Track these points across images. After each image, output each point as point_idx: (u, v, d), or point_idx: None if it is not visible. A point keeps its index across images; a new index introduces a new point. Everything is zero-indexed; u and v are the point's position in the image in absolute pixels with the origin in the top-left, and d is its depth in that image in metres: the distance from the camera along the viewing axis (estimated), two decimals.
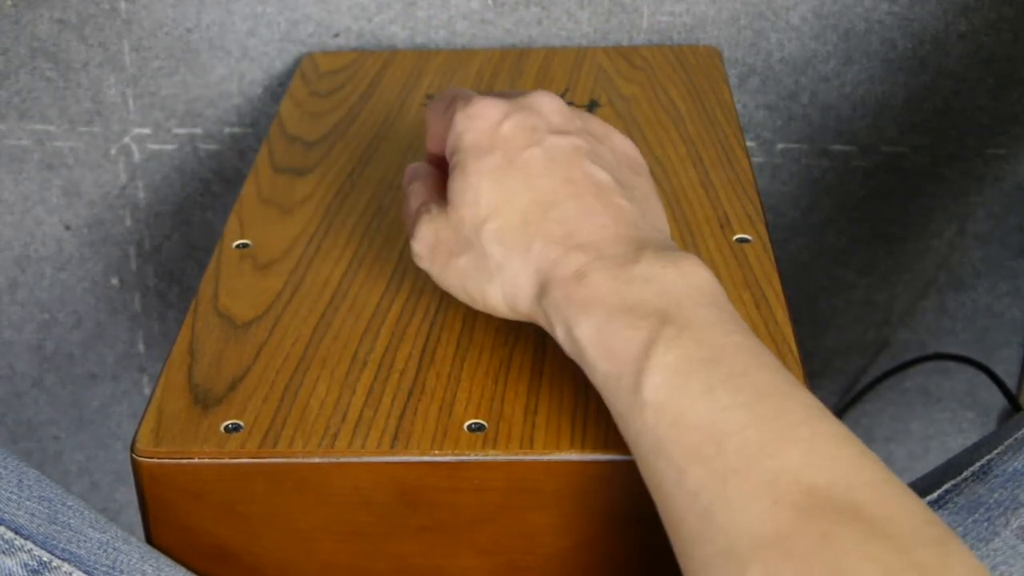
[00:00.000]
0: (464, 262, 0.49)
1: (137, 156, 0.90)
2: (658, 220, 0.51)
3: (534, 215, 0.48)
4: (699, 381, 0.42)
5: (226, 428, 0.49)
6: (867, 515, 0.39)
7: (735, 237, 0.60)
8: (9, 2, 0.85)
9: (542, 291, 0.47)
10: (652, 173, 0.66)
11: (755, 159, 0.89)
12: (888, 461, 1.03)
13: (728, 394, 0.42)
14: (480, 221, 0.49)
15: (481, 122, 0.50)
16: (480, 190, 0.49)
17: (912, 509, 0.39)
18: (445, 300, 0.57)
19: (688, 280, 0.46)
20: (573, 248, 0.47)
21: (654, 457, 0.43)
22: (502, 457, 0.48)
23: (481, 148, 0.50)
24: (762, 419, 0.41)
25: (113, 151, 0.90)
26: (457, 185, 0.50)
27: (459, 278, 0.50)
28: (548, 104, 0.51)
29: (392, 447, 0.48)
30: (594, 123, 0.53)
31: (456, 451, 0.48)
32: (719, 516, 0.40)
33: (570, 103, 0.75)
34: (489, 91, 0.57)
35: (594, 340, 0.45)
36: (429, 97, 0.77)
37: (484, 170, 0.49)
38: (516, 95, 0.52)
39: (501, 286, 0.49)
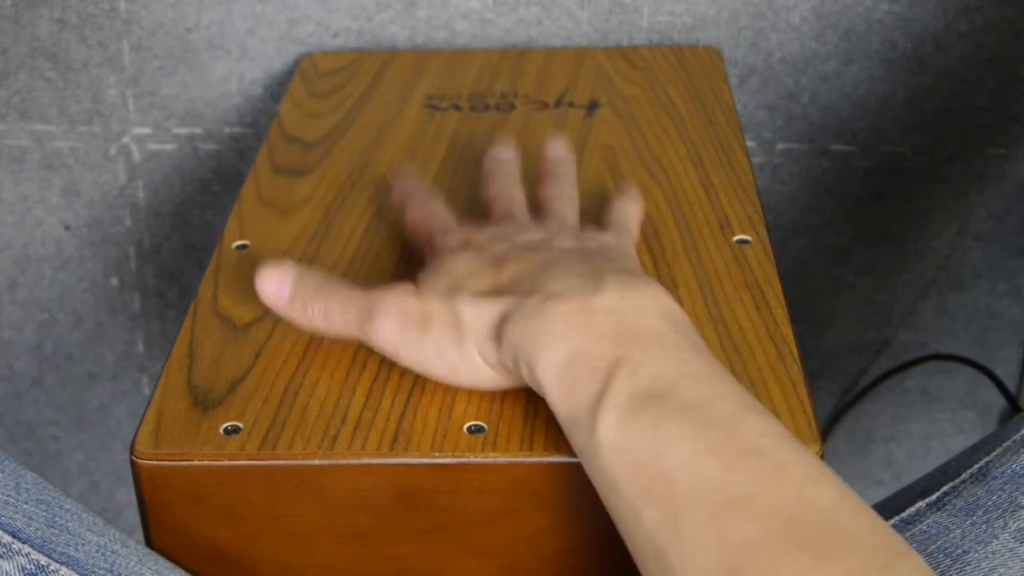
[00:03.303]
0: (436, 331, 0.49)
1: (137, 156, 0.90)
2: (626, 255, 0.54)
3: (503, 274, 0.49)
4: (649, 417, 0.42)
5: (225, 430, 0.49)
6: (816, 540, 0.39)
7: (735, 238, 0.60)
8: (9, 2, 0.85)
9: (502, 330, 0.47)
10: (652, 173, 0.66)
11: (755, 159, 0.89)
12: (888, 461, 1.03)
13: (677, 427, 0.42)
14: (453, 289, 0.49)
15: (452, 239, 0.54)
16: (455, 266, 0.51)
17: (861, 534, 0.39)
18: None
19: (649, 308, 0.46)
20: (537, 290, 0.48)
21: (613, 497, 0.43)
22: (502, 459, 0.48)
23: (456, 247, 0.53)
24: (707, 450, 0.41)
25: (113, 151, 0.90)
26: (431, 267, 0.52)
27: (436, 346, 0.49)
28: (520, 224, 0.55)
29: (392, 449, 0.48)
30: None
31: (456, 453, 0.48)
32: (672, 556, 0.40)
33: (569, 104, 0.75)
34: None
35: (553, 381, 0.45)
36: (429, 98, 0.77)
37: (458, 254, 0.52)
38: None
39: (472, 347, 0.49)
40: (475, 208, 0.61)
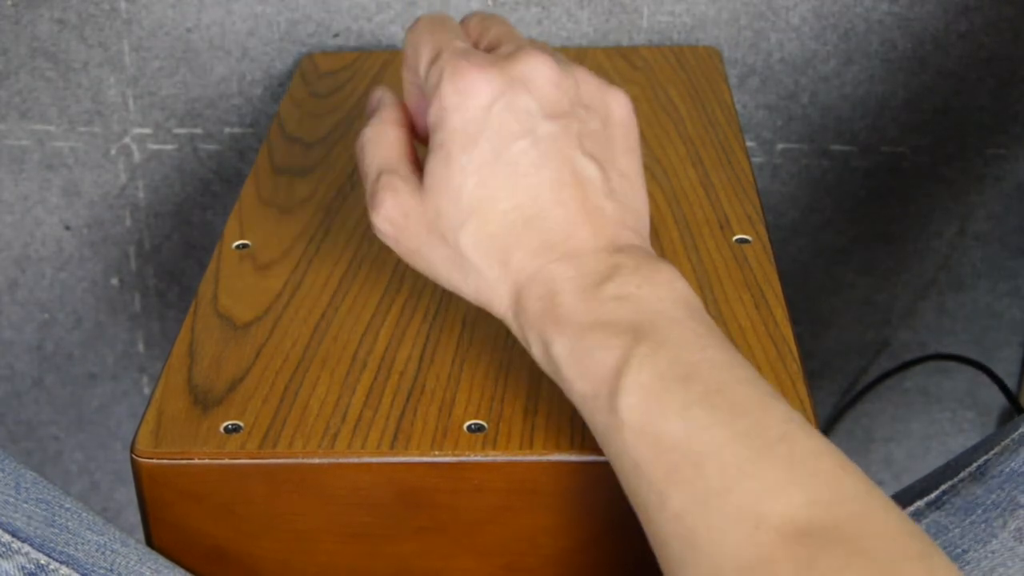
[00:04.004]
0: (437, 255, 0.48)
1: (137, 156, 0.90)
2: (639, 216, 0.49)
3: (514, 222, 0.47)
4: (675, 400, 0.41)
5: (226, 429, 0.49)
6: (849, 534, 0.38)
7: (735, 238, 0.60)
8: (9, 2, 0.85)
9: (517, 306, 0.46)
10: (652, 173, 0.66)
11: (755, 159, 0.89)
12: (888, 461, 1.03)
13: (705, 412, 0.41)
14: (459, 221, 0.47)
15: (471, 101, 0.46)
16: (463, 187, 0.47)
17: (894, 524, 0.39)
18: (445, 301, 0.57)
19: (662, 294, 0.45)
20: (549, 262, 0.46)
21: (635, 479, 0.42)
22: (502, 458, 0.48)
23: (468, 135, 0.46)
24: (740, 437, 0.40)
25: (113, 151, 0.90)
26: (438, 173, 0.47)
27: (428, 266, 0.48)
28: (541, 74, 0.47)
29: (392, 448, 0.48)
30: (588, 87, 0.49)
31: (456, 452, 0.48)
32: (702, 541, 0.39)
33: None
34: (471, 25, 0.53)
35: (569, 360, 0.44)
36: None
37: (469, 165, 0.46)
38: (509, 52, 0.48)
39: (475, 288, 0.47)
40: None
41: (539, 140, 0.47)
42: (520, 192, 0.47)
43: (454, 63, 0.47)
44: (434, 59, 0.48)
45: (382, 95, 0.53)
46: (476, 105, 0.46)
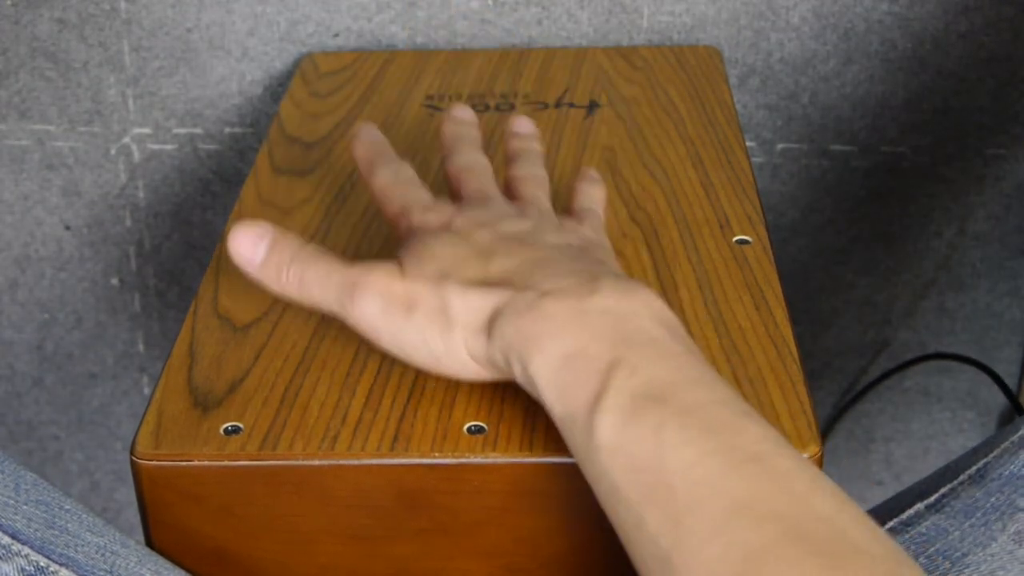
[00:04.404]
0: (420, 317, 0.48)
1: (137, 156, 0.90)
2: (606, 251, 0.53)
3: (492, 263, 0.49)
4: (649, 420, 0.42)
5: (226, 430, 0.49)
6: (821, 549, 0.38)
7: (735, 238, 0.60)
8: (9, 2, 0.85)
9: (494, 325, 0.47)
10: (652, 173, 0.66)
11: (755, 159, 0.89)
12: (888, 461, 1.03)
13: (678, 431, 0.41)
14: (441, 275, 0.48)
15: (433, 218, 0.53)
16: (439, 250, 0.50)
17: (867, 540, 0.39)
18: None
19: (643, 313, 0.45)
20: (530, 286, 0.47)
21: (613, 500, 0.43)
22: (502, 459, 0.48)
23: (437, 229, 0.52)
24: (711, 456, 0.41)
25: (113, 151, 0.90)
26: (414, 248, 0.50)
27: (420, 332, 0.49)
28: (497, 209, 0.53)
29: (392, 449, 0.48)
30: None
31: (456, 453, 0.48)
32: (678, 559, 0.40)
33: (569, 104, 0.75)
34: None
35: (549, 381, 0.45)
36: (429, 98, 0.77)
37: (441, 238, 0.50)
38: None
39: (461, 336, 0.48)
40: (446, 167, 0.60)
41: (501, 230, 0.52)
42: (492, 249, 0.50)
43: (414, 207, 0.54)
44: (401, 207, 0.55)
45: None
46: (437, 219, 0.53)
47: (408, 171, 0.57)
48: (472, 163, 0.58)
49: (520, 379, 0.47)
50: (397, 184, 0.56)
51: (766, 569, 0.38)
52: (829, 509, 0.40)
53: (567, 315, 0.45)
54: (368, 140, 0.59)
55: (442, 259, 0.49)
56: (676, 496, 0.40)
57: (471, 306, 0.47)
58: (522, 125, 0.61)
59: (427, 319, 0.48)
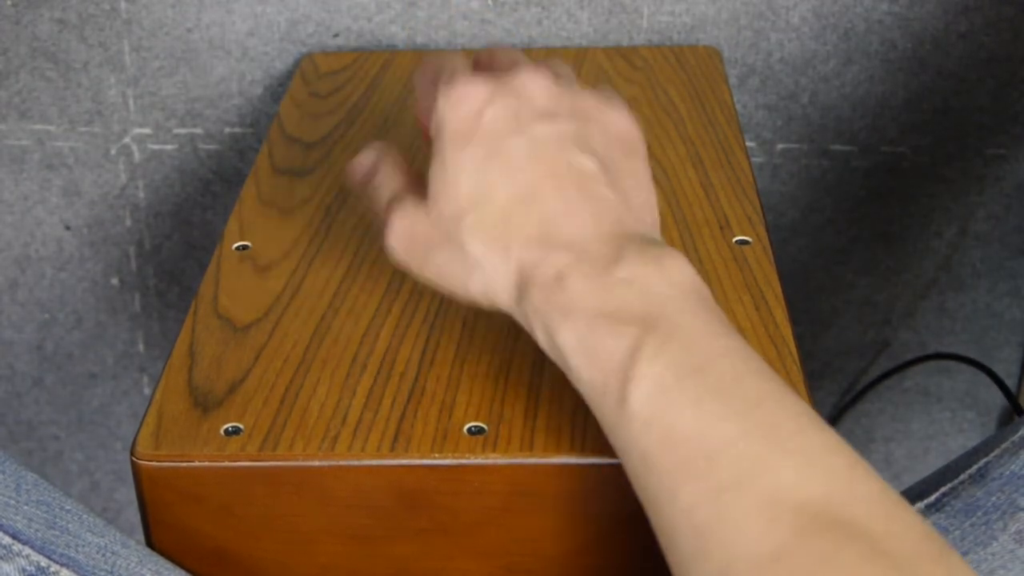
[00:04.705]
0: (442, 257, 0.47)
1: (137, 156, 0.90)
2: (645, 209, 0.49)
3: (514, 211, 0.46)
4: (688, 391, 0.41)
5: (226, 431, 0.49)
6: (866, 531, 0.38)
7: (735, 239, 0.60)
8: (9, 2, 0.85)
9: (521, 293, 0.46)
10: (652, 174, 0.66)
11: (755, 159, 0.89)
12: (888, 461, 1.03)
13: (718, 404, 0.41)
14: (459, 215, 0.47)
15: (463, 107, 0.47)
16: (459, 183, 0.47)
17: (910, 523, 0.39)
18: (445, 303, 0.57)
19: (672, 279, 0.44)
20: (553, 249, 0.45)
21: (644, 471, 0.42)
22: (502, 460, 0.48)
23: (462, 137, 0.47)
24: (754, 431, 0.40)
25: (113, 151, 0.90)
26: (436, 176, 0.47)
27: (438, 273, 0.48)
28: (535, 84, 0.48)
29: (392, 450, 0.48)
30: (585, 101, 0.50)
31: (456, 454, 0.48)
32: (716, 533, 0.39)
33: None
34: (481, 57, 0.54)
35: (577, 348, 0.44)
36: None
37: (464, 162, 0.47)
38: (505, 68, 0.49)
39: (481, 282, 0.47)
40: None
41: (532, 139, 0.47)
42: (516, 184, 0.47)
43: (449, 74, 0.48)
44: (434, 77, 0.49)
45: (376, 152, 0.53)
46: (467, 110, 0.47)
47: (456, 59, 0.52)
48: (487, 51, 0.54)
49: (546, 347, 0.45)
50: (435, 66, 0.52)
51: (812, 549, 0.37)
52: (873, 488, 0.39)
53: (592, 289, 0.44)
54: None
55: (466, 192, 0.47)
56: (717, 471, 0.39)
57: (493, 266, 0.46)
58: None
59: (449, 260, 0.47)
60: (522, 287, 0.46)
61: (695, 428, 0.40)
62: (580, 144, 0.48)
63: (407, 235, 0.48)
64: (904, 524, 0.39)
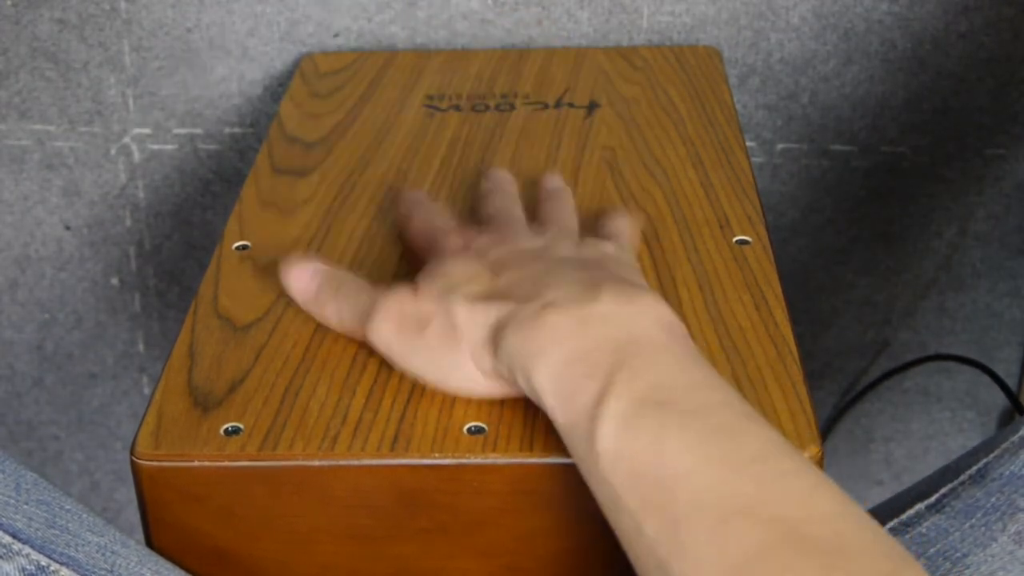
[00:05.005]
0: (431, 333, 0.49)
1: (137, 156, 0.90)
2: (627, 269, 0.53)
3: (501, 283, 0.49)
4: (649, 426, 0.42)
5: (226, 431, 0.49)
6: (821, 550, 0.38)
7: (735, 239, 0.60)
8: (9, 2, 0.85)
9: (498, 338, 0.47)
10: (652, 174, 0.66)
11: (755, 159, 0.89)
12: (888, 461, 1.03)
13: (677, 436, 0.41)
14: (448, 290, 0.49)
15: (454, 239, 0.54)
16: (450, 269, 0.50)
17: (867, 542, 0.39)
18: None
19: (646, 317, 0.45)
20: (532, 298, 0.47)
21: (614, 508, 0.42)
22: (502, 460, 0.48)
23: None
24: (710, 459, 0.41)
25: (113, 151, 0.90)
26: (430, 267, 0.51)
27: (430, 350, 0.49)
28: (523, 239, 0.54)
29: (392, 450, 0.48)
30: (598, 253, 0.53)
31: (456, 454, 0.48)
32: (675, 567, 0.40)
33: (569, 104, 0.75)
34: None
35: (551, 390, 0.45)
36: (429, 98, 0.77)
37: (456, 258, 0.51)
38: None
39: (469, 348, 0.48)
40: (475, 208, 0.61)
41: (517, 254, 0.52)
42: (503, 273, 0.50)
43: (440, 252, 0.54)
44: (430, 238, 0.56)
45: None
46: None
47: (438, 207, 0.60)
48: (503, 205, 0.59)
49: (526, 390, 0.47)
50: (427, 219, 0.58)
51: (764, 571, 0.38)
52: (830, 510, 0.40)
53: (568, 324, 0.45)
54: (410, 195, 0.62)
55: (452, 275, 0.50)
56: (675, 503, 0.40)
57: (475, 320, 0.48)
58: (552, 180, 0.63)
59: (437, 336, 0.49)
60: (500, 332, 0.47)
61: (655, 461, 0.41)
62: (560, 247, 0.53)
63: (396, 314, 0.50)
64: (861, 543, 0.39)
